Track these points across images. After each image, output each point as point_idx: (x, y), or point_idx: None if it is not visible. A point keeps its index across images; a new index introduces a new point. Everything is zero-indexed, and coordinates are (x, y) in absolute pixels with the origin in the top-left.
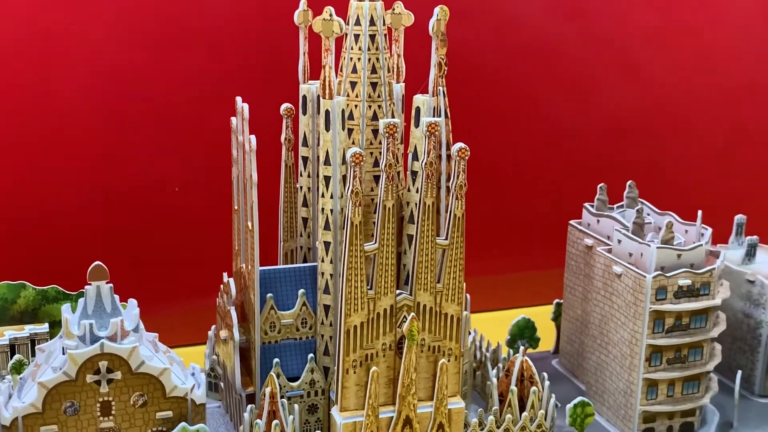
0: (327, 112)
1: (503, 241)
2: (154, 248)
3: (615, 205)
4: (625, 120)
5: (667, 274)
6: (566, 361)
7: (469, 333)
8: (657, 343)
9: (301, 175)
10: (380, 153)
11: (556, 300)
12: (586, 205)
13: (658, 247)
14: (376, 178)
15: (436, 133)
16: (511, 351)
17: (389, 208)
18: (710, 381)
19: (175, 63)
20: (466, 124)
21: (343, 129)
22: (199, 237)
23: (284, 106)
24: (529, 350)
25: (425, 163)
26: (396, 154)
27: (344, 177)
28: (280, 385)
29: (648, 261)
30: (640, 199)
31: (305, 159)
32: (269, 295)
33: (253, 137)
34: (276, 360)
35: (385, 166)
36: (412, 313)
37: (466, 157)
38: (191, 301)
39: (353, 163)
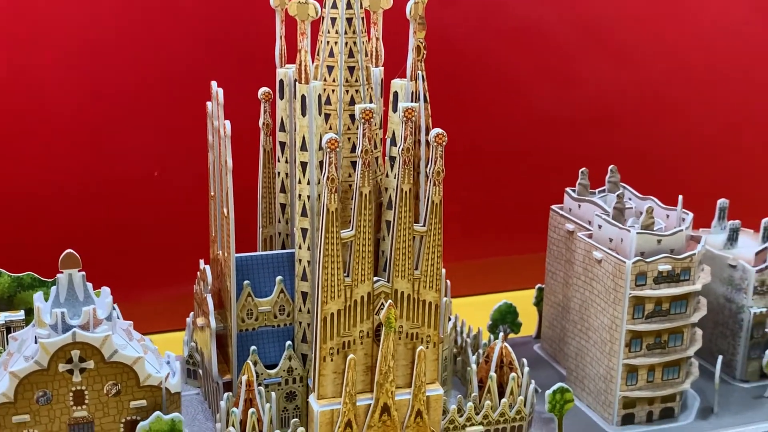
0: (303, 97)
1: (486, 226)
2: (134, 235)
3: (597, 190)
4: (609, 104)
5: (647, 260)
6: (548, 346)
7: (450, 319)
8: (637, 329)
9: (278, 161)
10: (358, 138)
11: (538, 285)
12: (567, 189)
13: (638, 233)
14: (354, 164)
15: (413, 118)
16: (492, 336)
17: (366, 195)
18: (691, 366)
19: (152, 47)
20: (447, 108)
21: (320, 114)
22: (177, 224)
23: (262, 90)
24: (511, 335)
25: (402, 149)
26: (374, 140)
27: (321, 163)
28: (257, 372)
29: (628, 246)
30: (622, 184)
31: (282, 144)
32: (246, 282)
33: (227, 122)
34: (253, 347)
35: (362, 151)
36: (390, 300)
37: (444, 143)
38: (171, 287)
39: (329, 149)
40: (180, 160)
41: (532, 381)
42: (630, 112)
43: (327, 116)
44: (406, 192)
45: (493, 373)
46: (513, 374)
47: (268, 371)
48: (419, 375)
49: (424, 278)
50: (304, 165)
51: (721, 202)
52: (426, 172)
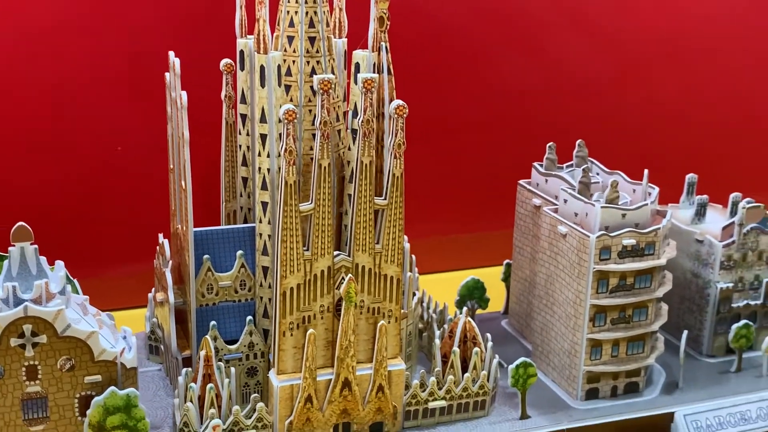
0: (262, 68)
1: (454, 202)
2: (97, 210)
3: (565, 165)
4: (579, 78)
5: (611, 234)
6: (515, 321)
7: (414, 294)
8: (601, 303)
9: (240, 134)
10: (316, 110)
11: (506, 261)
12: (535, 164)
13: (602, 207)
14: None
15: (373, 89)
16: (458, 312)
17: (325, 167)
18: (656, 341)
19: (114, 19)
20: (415, 82)
21: (279, 85)
22: (141, 198)
23: (224, 61)
24: (479, 311)
25: (362, 121)
26: (336, 112)
27: (281, 135)
28: (218, 348)
29: (592, 221)
30: (589, 159)
31: (243, 117)
32: (206, 256)
33: (184, 93)
34: (213, 323)
35: (320, 123)
36: (350, 275)
37: (404, 115)
38: (137, 263)
39: (286, 121)
40: (141, 133)
41: (496, 356)
42: (600, 86)
43: (288, 88)
44: (366, 164)
45: (456, 348)
46: (476, 349)
47: (229, 347)
48: (380, 350)
49: (385, 252)
50: (263, 137)
51: (690, 177)
52: (388, 144)
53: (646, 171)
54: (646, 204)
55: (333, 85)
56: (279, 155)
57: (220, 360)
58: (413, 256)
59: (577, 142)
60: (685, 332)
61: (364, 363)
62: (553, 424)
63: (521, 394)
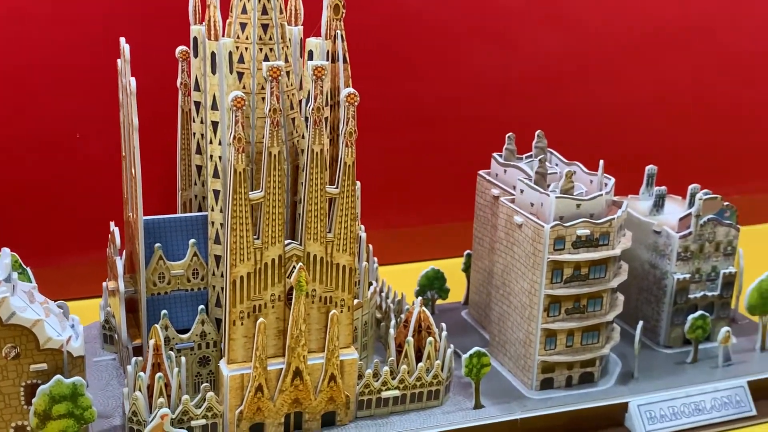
0: (213, 55)
1: (417, 193)
2: (52, 199)
3: (525, 155)
4: (540, 69)
5: (566, 224)
6: (474, 312)
7: (371, 283)
8: (555, 294)
9: (194, 121)
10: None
11: (467, 251)
12: (494, 155)
13: (556, 197)
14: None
15: (323, 76)
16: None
17: (275, 155)
18: (612, 331)
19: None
20: (375, 71)
21: (231, 72)
22: (98, 185)
23: (179, 48)
24: (439, 301)
25: (312, 109)
26: (291, 100)
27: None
28: (169, 337)
29: (547, 211)
30: (549, 149)
31: (198, 104)
32: (157, 245)
33: (133, 79)
34: (164, 311)
35: (270, 111)
36: (300, 263)
37: (355, 103)
38: (93, 251)
39: (234, 108)
40: (96, 120)
41: (451, 345)
42: (563, 78)
43: (240, 75)
44: (317, 153)
45: (410, 338)
46: (430, 338)
47: (180, 336)
48: (332, 339)
49: (337, 241)
50: (215, 125)
51: (649, 168)
52: (340, 133)
53: (601, 162)
54: (601, 194)
55: (282, 72)
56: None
57: (171, 349)
58: (370, 246)
59: (536, 132)
60: (641, 323)
61: (316, 352)
62: (506, 413)
63: (475, 383)
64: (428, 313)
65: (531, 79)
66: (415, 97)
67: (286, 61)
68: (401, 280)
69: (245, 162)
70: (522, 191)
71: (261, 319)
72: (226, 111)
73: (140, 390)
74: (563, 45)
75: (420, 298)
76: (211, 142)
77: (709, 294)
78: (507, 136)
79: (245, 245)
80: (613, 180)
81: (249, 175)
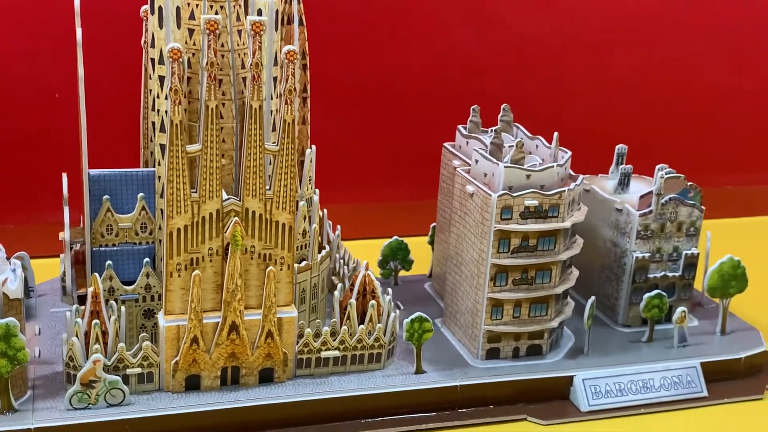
0: (160, 9)
1: (390, 168)
2: (31, 155)
3: (490, 129)
4: (514, 43)
5: (514, 194)
6: (436, 284)
7: (325, 247)
8: (502, 263)
9: (150, 78)
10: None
11: (433, 224)
12: (459, 127)
13: (505, 167)
14: (219, 82)
15: (261, 32)
16: (381, 272)
17: (212, 109)
18: (564, 306)
19: None
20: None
21: (179, 27)
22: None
23: (143, 8)
24: (402, 273)
25: (251, 64)
26: (242, 59)
27: (186, 77)
28: (114, 288)
29: (497, 180)
30: (515, 124)
31: (153, 61)
32: (106, 197)
33: (79, 30)
34: (108, 262)
35: (207, 64)
36: (236, 218)
37: (294, 60)
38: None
39: (171, 59)
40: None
41: (397, 311)
42: (539, 54)
43: (191, 32)
44: (255, 109)
45: (353, 300)
46: (372, 302)
47: (125, 287)
48: (269, 295)
49: (276, 199)
50: (161, 79)
51: (619, 147)
52: (303, 96)
53: (555, 134)
54: (552, 166)
55: (232, 30)
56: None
57: (116, 300)
58: (325, 211)
59: (502, 106)
60: (592, 298)
61: (255, 308)
62: (447, 380)
63: (416, 348)
64: (373, 277)
65: (505, 53)
66: (388, 70)
67: (239, 20)
68: (371, 254)
69: (182, 114)
70: (477, 161)
71: (196, 272)
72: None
73: (77, 336)
74: (538, 20)
75: (365, 262)
76: (158, 96)
77: (670, 275)
78: (472, 108)
79: (182, 197)
80: (569, 153)
81: (186, 127)
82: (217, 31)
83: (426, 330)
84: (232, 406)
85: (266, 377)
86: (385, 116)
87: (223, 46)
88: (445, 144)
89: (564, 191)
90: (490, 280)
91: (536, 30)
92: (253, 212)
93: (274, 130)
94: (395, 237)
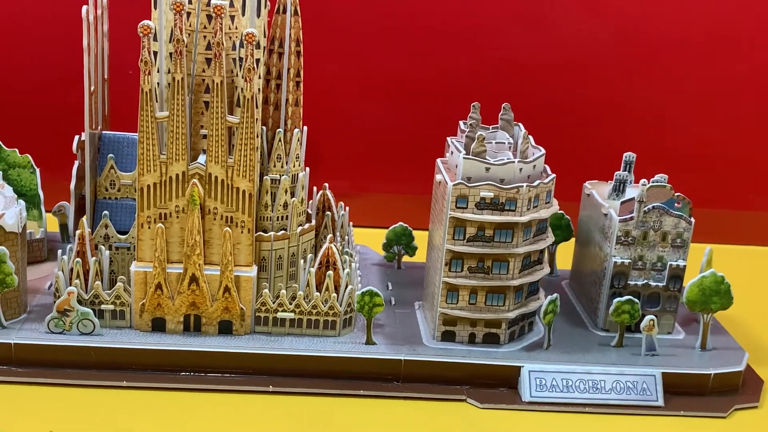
0: None
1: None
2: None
3: (492, 126)
4: (565, 46)
5: (469, 185)
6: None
7: (308, 221)
8: (456, 250)
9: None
10: (212, 36)
11: None
12: (460, 122)
13: (464, 158)
14: (208, 61)
15: (222, 15)
16: (386, 254)
17: (178, 81)
18: (535, 301)
19: None
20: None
21: (171, 9)
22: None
23: None
24: (405, 258)
25: (213, 43)
26: (233, 41)
27: (171, 54)
28: (109, 235)
29: (458, 171)
30: (515, 123)
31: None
32: (110, 155)
33: (84, 7)
34: (105, 212)
35: (174, 41)
36: (194, 180)
37: (253, 42)
38: None
39: (142, 34)
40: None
41: (359, 284)
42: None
43: (188, 15)
44: (218, 83)
45: (312, 269)
46: (330, 272)
47: (120, 236)
48: (225, 253)
49: (237, 167)
50: (155, 54)
51: (627, 155)
52: (297, 81)
53: (524, 130)
54: (513, 161)
55: (184, 6)
56: (169, 71)
57: (110, 247)
58: (314, 188)
59: (503, 105)
60: (554, 295)
61: (216, 265)
62: (393, 353)
63: (367, 321)
64: (335, 249)
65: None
66: (397, 66)
67: (232, 5)
68: (378, 240)
69: (150, 83)
70: (452, 153)
71: (159, 225)
72: (164, 42)
73: (63, 271)
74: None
75: (330, 236)
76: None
77: (653, 284)
78: (472, 105)
79: (151, 158)
80: (543, 151)
81: (155, 95)
82: (183, 11)
83: (376, 304)
84: (187, 349)
85: (225, 329)
86: (402, 110)
87: (206, 28)
88: (449, 138)
89: (522, 186)
90: (445, 265)
91: (581, 32)
92: (216, 177)
93: (256, 107)
94: (400, 223)
